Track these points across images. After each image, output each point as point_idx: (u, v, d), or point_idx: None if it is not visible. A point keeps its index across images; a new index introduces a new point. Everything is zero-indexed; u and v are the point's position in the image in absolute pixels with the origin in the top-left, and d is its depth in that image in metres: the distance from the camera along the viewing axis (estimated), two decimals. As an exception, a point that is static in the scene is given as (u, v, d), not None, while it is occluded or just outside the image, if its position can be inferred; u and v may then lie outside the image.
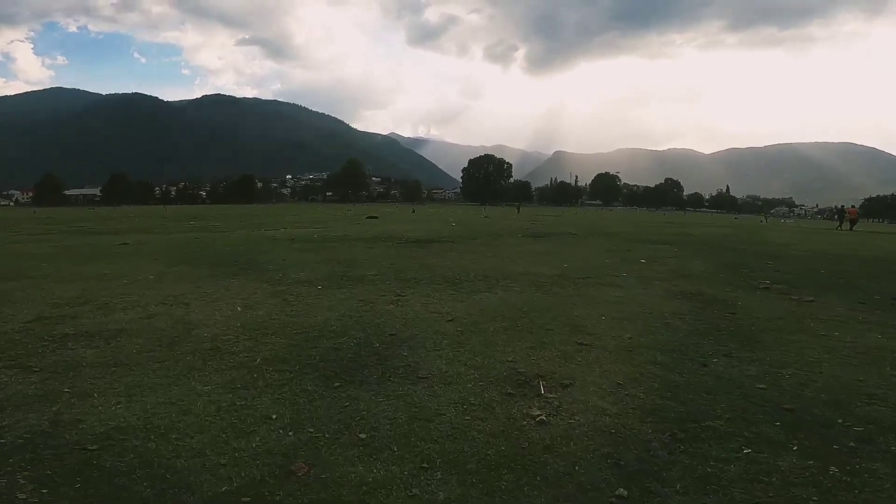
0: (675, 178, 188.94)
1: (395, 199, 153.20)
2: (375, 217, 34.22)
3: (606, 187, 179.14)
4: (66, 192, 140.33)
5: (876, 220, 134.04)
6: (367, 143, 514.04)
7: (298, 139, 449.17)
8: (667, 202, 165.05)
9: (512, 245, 13.85)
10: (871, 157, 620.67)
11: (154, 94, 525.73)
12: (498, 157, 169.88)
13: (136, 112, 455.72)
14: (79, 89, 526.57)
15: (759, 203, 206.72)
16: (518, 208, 67.83)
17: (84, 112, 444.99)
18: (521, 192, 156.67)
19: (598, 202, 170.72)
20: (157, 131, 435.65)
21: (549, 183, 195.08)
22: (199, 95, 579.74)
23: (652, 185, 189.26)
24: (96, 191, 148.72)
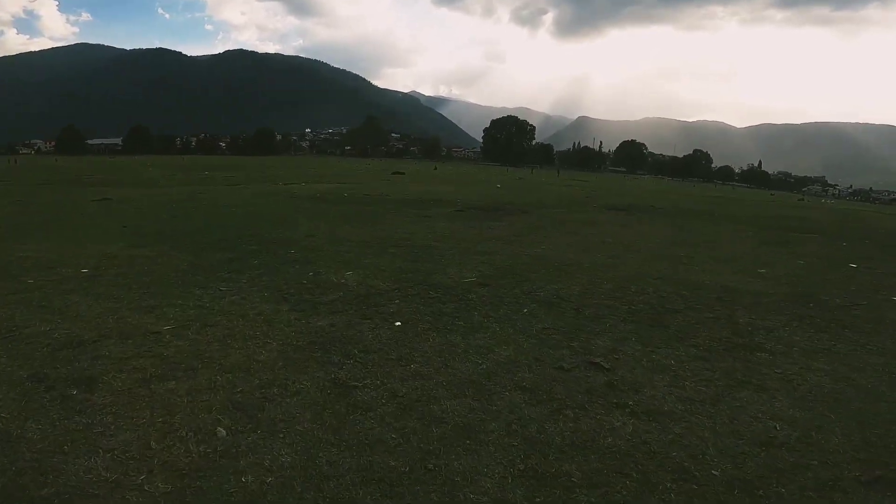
0: (704, 150, 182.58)
1: (413, 156, 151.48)
2: (402, 173, 33.88)
3: (631, 155, 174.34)
4: (89, 142, 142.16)
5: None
6: (387, 100, 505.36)
7: (319, 95, 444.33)
8: (694, 173, 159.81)
9: (608, 223, 11.71)
10: None
11: (177, 49, 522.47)
12: (521, 119, 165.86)
13: (160, 67, 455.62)
14: (104, 45, 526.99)
15: (792, 180, 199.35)
16: (557, 171, 68.50)
17: (108, 67, 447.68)
18: (544, 155, 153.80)
19: (622, 169, 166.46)
20: (180, 86, 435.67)
21: (571, 147, 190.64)
22: (221, 51, 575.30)
23: (678, 155, 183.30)
24: (118, 141, 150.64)
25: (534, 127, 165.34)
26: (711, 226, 12.86)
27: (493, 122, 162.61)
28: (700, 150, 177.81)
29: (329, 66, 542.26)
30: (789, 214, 18.49)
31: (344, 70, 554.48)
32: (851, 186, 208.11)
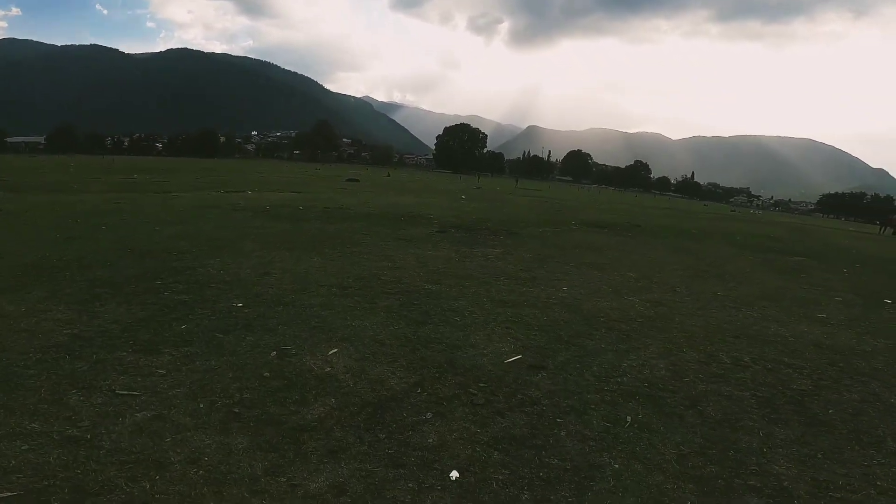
0: (644, 161, 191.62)
1: (365, 162, 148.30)
2: (357, 180, 31.96)
3: (577, 165, 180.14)
4: (8, 140, 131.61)
5: (831, 216, 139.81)
6: (339, 104, 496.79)
7: (268, 97, 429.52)
8: (635, 183, 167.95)
9: (607, 247, 10.33)
10: (829, 155, 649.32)
11: (115, 47, 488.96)
12: (473, 126, 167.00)
13: (94, 65, 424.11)
14: (32, 40, 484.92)
15: (720, 191, 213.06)
16: (516, 181, 71.67)
17: (37, 63, 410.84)
18: (494, 164, 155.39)
19: (568, 178, 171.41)
20: (117, 86, 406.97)
21: (521, 156, 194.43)
22: (163, 49, 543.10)
23: (620, 165, 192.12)
24: (41, 139, 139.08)
25: (486, 135, 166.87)
26: (707, 248, 12.12)
27: (445, 129, 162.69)
28: (640, 161, 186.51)
29: (280, 69, 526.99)
30: (753, 231, 18.65)
31: (295, 73, 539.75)
32: (773, 198, 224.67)
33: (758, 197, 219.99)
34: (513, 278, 6.94)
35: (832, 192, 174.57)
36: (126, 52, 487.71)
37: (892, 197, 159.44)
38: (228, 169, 44.45)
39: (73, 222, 9.84)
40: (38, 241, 7.80)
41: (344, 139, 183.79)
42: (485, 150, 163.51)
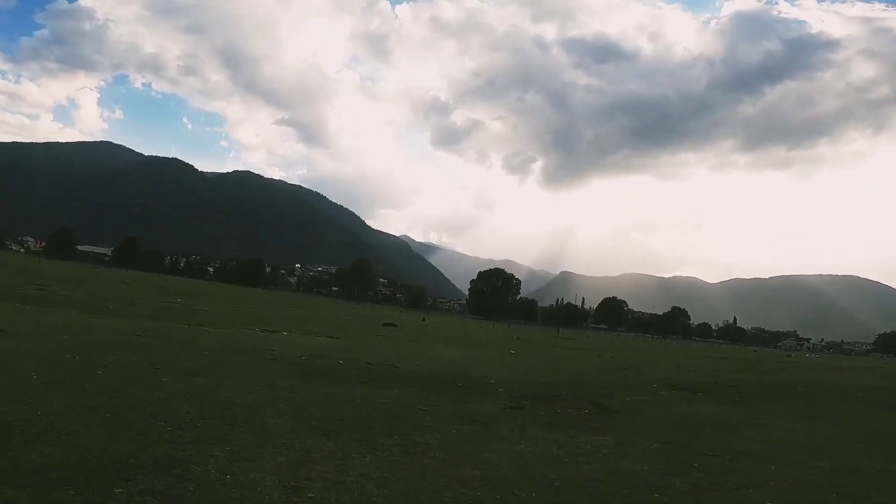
0: (681, 307, 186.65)
1: (399, 303, 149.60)
2: (395, 325, 30.34)
3: (612, 311, 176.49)
4: (79, 247, 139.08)
5: (890, 355, 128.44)
6: (378, 242, 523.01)
7: (314, 230, 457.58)
8: (673, 330, 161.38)
9: (733, 428, 7.80)
10: (874, 291, 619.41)
11: (190, 162, 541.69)
12: (507, 272, 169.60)
13: (170, 177, 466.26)
14: (125, 146, 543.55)
15: (766, 335, 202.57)
16: (558, 329, 69.75)
17: (124, 170, 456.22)
18: (527, 311, 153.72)
19: (603, 326, 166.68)
20: (185, 199, 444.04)
21: (555, 303, 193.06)
22: (230, 170, 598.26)
23: (657, 311, 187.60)
24: (108, 251, 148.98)
25: (519, 281, 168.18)
26: (845, 411, 10.30)
27: (480, 274, 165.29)
28: (678, 307, 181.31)
29: (328, 201, 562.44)
30: (854, 383, 16.56)
31: (342, 206, 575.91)
32: (823, 340, 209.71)
33: (808, 340, 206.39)
34: (670, 493, 4.53)
35: (889, 332, 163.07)
36: (199, 169, 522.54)
37: None
38: (269, 302, 44.11)
39: (68, 358, 8.06)
40: (7, 382, 5.99)
41: (381, 279, 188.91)
42: (518, 297, 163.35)
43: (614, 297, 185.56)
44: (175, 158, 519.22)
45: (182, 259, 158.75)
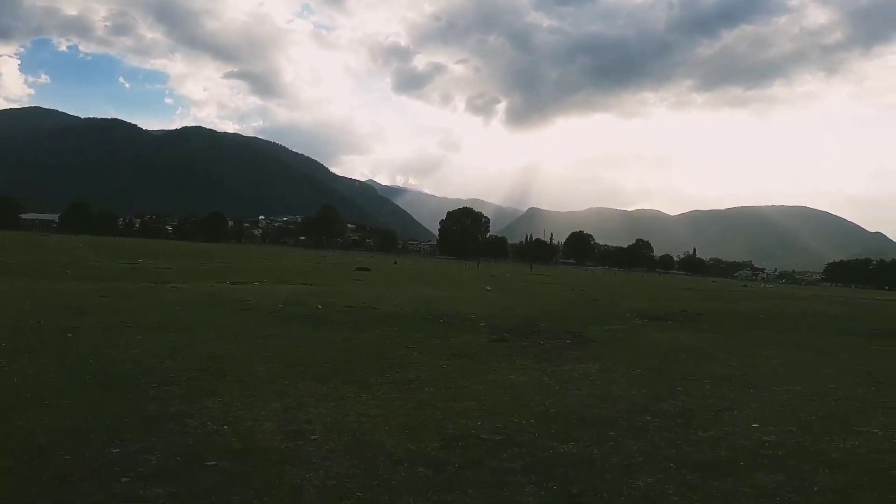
0: (645, 239, 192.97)
1: (369, 249, 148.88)
2: (368, 269, 30.19)
3: (580, 247, 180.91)
4: (23, 216, 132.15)
5: (839, 284, 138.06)
6: (344, 188, 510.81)
7: (276, 179, 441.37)
8: (638, 263, 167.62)
9: (712, 352, 8.19)
10: (824, 221, 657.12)
11: (133, 122, 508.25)
12: (475, 211, 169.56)
13: (113, 139, 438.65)
14: (57, 110, 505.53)
15: (723, 265, 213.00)
16: (531, 266, 71.39)
17: (59, 134, 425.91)
18: (498, 248, 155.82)
19: (571, 261, 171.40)
20: (133, 160, 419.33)
21: (524, 240, 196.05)
22: (179, 126, 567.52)
23: (621, 244, 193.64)
24: (55, 217, 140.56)
25: (488, 219, 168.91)
26: (812, 338, 10.48)
27: (448, 214, 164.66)
28: (642, 240, 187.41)
29: (288, 151, 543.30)
30: (813, 310, 17.24)
31: (302, 155, 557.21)
32: (776, 269, 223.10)
33: (762, 270, 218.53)
34: (661, 416, 4.71)
35: (837, 261, 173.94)
36: (144, 128, 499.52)
37: None
38: (235, 255, 42.99)
39: (34, 323, 7.66)
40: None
41: (349, 224, 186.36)
42: (487, 234, 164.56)
43: (581, 232, 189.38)
44: (116, 119, 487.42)
45: (137, 220, 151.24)
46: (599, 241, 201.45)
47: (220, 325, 8.37)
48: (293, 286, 16.27)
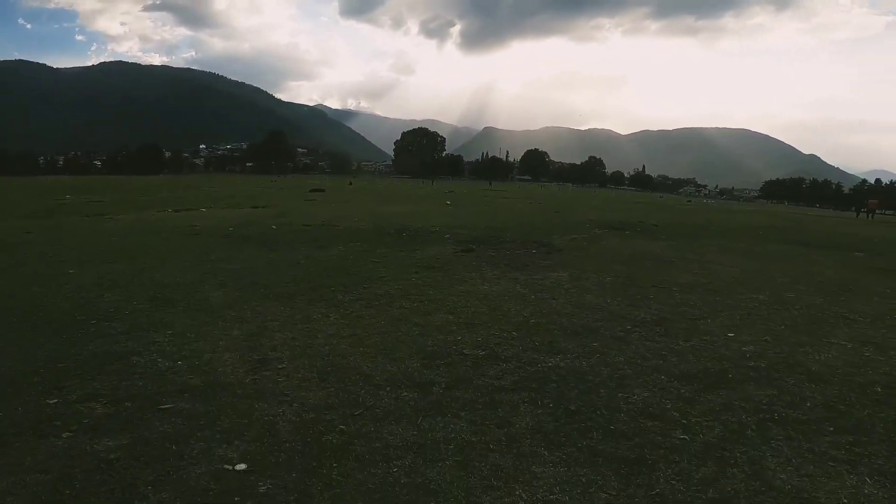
0: (597, 157, 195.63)
1: (322, 172, 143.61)
2: (322, 190, 28.93)
3: (534, 164, 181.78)
4: None
5: (773, 201, 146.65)
6: (292, 113, 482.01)
7: (214, 108, 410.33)
8: (591, 179, 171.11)
9: (674, 259, 8.31)
10: (764, 144, 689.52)
11: (41, 62, 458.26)
12: (431, 130, 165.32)
13: (20, 80, 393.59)
14: None
15: (670, 182, 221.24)
16: (490, 182, 72.02)
17: None
18: (454, 167, 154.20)
19: (527, 178, 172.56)
20: (46, 100, 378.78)
21: (480, 157, 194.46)
22: (95, 63, 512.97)
23: (575, 161, 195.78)
24: None
25: (444, 138, 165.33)
26: (761, 247, 10.72)
27: (403, 134, 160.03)
28: (594, 157, 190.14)
29: (226, 80, 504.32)
30: (756, 223, 18.00)
31: (243, 83, 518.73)
32: (717, 186, 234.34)
33: (704, 186, 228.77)
34: (640, 325, 4.60)
35: (773, 179, 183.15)
36: (55, 67, 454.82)
37: (829, 181, 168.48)
38: (177, 185, 40.15)
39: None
40: None
41: (299, 149, 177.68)
42: (444, 154, 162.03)
43: (536, 150, 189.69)
44: (21, 60, 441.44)
45: (60, 158, 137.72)
46: (555, 158, 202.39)
47: (165, 252, 7.65)
48: (243, 210, 15.32)
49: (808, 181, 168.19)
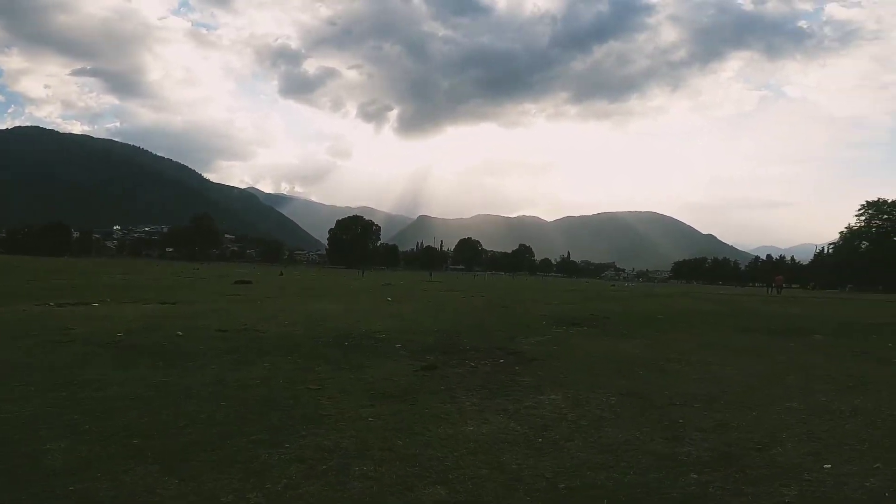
0: (527, 244, 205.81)
1: (251, 260, 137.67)
2: (249, 282, 26.24)
3: (468, 253, 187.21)
4: None
5: (682, 281, 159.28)
6: (221, 196, 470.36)
7: (135, 186, 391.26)
8: (522, 267, 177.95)
9: (648, 359, 7.42)
10: (670, 226, 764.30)
11: None
12: (366, 218, 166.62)
13: None
14: None
15: (592, 267, 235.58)
16: (430, 273, 74.48)
17: None
18: (390, 256, 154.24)
19: (461, 267, 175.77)
20: None
21: (415, 247, 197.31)
22: (10, 126, 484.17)
23: (506, 249, 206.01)
24: None
25: (379, 227, 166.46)
26: (724, 337, 10.40)
27: (338, 222, 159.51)
28: (524, 245, 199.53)
29: (151, 154, 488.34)
30: (693, 309, 18.12)
31: (169, 159, 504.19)
32: (634, 269, 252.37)
33: (623, 270, 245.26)
34: (705, 469, 3.25)
35: (681, 260, 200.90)
36: None
37: (727, 259, 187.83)
38: (77, 271, 35.55)
39: None
40: None
41: (227, 235, 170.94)
42: (378, 243, 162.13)
43: (469, 239, 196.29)
44: None
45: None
46: (486, 247, 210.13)
47: (12, 368, 5.44)
48: (147, 306, 12.84)
49: (709, 261, 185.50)
